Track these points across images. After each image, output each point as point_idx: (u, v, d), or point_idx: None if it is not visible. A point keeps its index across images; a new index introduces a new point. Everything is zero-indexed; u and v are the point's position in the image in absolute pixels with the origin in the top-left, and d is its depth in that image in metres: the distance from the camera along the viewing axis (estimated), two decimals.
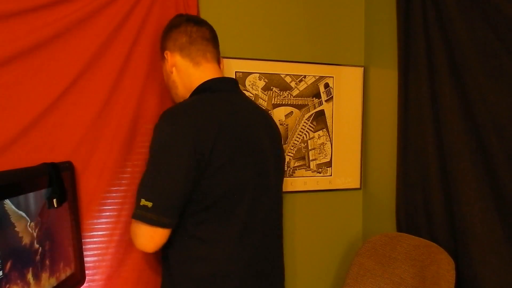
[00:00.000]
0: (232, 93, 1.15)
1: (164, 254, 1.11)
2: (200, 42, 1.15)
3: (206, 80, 1.13)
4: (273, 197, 1.16)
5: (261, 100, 1.61)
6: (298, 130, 1.68)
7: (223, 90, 1.14)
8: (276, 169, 1.17)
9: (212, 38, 1.19)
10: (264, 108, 1.60)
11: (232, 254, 1.05)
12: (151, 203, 0.96)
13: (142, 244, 1.01)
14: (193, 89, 1.14)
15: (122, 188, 1.33)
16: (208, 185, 1.00)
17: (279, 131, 1.26)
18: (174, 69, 1.17)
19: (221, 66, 1.25)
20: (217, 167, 0.99)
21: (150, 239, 0.99)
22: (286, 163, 1.66)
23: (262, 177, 1.11)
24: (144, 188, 0.99)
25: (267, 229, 1.13)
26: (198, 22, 1.19)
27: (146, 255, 1.34)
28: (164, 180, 0.97)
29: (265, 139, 1.14)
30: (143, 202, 0.97)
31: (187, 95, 1.15)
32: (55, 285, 1.11)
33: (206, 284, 1.04)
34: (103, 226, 1.31)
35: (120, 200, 1.33)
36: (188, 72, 1.15)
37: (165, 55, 1.19)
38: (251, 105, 1.19)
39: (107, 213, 1.32)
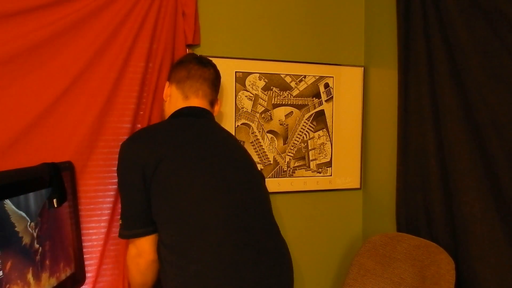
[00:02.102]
0: (199, 119, 1.17)
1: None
2: (196, 79, 1.22)
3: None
4: (243, 207, 1.09)
5: (261, 100, 1.61)
6: (298, 130, 1.68)
7: (191, 115, 1.18)
8: (244, 175, 1.14)
9: (211, 79, 1.25)
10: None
11: (198, 262, 1.00)
12: (121, 221, 1.10)
13: (128, 258, 1.15)
14: None
15: None
16: (154, 203, 1.05)
17: (243, 147, 1.24)
18: (168, 98, 1.25)
19: (217, 108, 1.29)
20: (160, 184, 1.04)
21: (129, 251, 1.13)
22: (284, 165, 1.66)
23: (219, 188, 1.07)
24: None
25: (232, 234, 1.05)
26: (202, 62, 1.26)
27: None
28: (124, 199, 1.09)
29: (230, 154, 1.14)
30: (120, 221, 1.11)
31: None
32: (55, 285, 1.11)
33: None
34: (103, 226, 1.31)
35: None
36: (177, 104, 1.22)
37: (165, 85, 1.28)
38: (215, 128, 1.18)
39: (107, 213, 1.32)
